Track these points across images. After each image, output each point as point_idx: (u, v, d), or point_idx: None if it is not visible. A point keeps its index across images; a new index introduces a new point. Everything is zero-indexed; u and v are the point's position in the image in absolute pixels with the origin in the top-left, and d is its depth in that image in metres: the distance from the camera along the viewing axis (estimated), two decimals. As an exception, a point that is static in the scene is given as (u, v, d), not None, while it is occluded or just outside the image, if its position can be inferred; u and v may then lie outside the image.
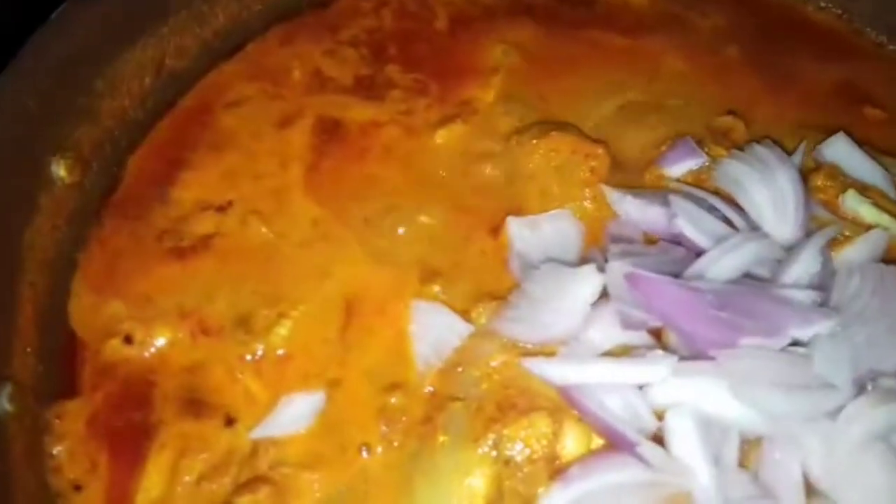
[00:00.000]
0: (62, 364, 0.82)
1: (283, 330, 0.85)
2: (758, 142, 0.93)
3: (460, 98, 1.03)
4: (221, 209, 0.93)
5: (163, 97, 0.98)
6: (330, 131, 1.00)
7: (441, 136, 0.99)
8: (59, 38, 0.85)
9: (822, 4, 1.15)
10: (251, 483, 0.73)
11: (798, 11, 1.17)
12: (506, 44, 1.08)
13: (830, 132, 0.98)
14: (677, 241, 0.84)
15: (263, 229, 0.91)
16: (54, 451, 0.76)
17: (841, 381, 0.70)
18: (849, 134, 0.97)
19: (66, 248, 0.86)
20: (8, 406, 0.73)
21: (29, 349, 0.79)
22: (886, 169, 0.94)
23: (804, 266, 0.79)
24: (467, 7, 1.12)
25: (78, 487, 0.74)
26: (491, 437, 0.73)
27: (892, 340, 0.75)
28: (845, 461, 0.69)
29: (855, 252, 0.83)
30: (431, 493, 0.73)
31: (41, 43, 0.84)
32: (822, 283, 0.79)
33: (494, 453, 0.73)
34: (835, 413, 0.70)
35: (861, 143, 0.97)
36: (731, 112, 1.00)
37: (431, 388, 0.79)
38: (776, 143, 0.96)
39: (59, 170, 0.84)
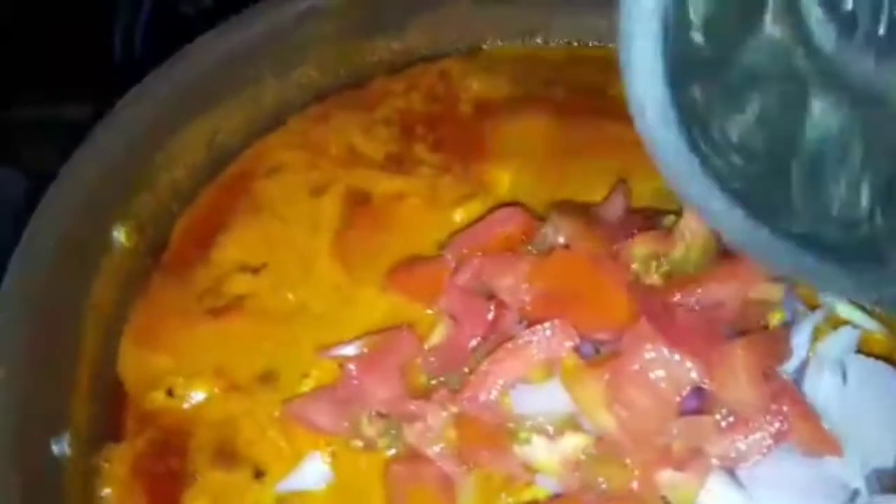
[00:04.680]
0: (109, 411, 0.92)
1: (306, 389, 0.94)
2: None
3: (479, 178, 1.13)
4: (256, 271, 1.03)
5: (211, 168, 1.09)
6: (359, 203, 1.10)
7: (459, 214, 1.09)
8: (127, 119, 0.97)
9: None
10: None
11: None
12: (523, 130, 1.20)
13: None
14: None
15: (290, 294, 1.01)
16: (103, 493, 0.85)
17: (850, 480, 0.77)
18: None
19: (119, 305, 0.96)
20: (68, 451, 0.82)
21: (84, 397, 0.88)
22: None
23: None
24: (490, 95, 1.22)
25: (123, 530, 0.83)
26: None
27: (887, 437, 0.82)
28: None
29: (827, 347, 0.91)
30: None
31: (112, 122, 0.95)
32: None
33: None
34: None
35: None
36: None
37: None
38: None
39: (121, 236, 0.95)
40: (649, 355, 0.75)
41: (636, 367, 0.75)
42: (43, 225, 0.87)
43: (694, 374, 0.75)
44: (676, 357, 0.74)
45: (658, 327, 0.75)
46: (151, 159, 1.00)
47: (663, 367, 0.75)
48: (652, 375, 0.75)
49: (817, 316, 0.90)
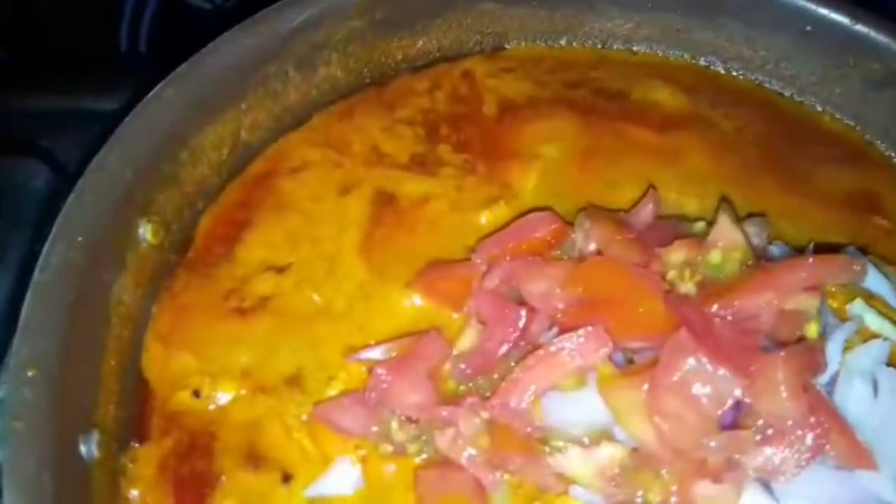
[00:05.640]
0: (134, 411, 0.90)
1: (333, 392, 0.93)
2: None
3: (504, 181, 1.12)
4: (281, 270, 1.02)
5: (236, 165, 1.07)
6: (384, 203, 1.09)
7: (485, 216, 1.08)
8: (153, 114, 0.95)
9: (837, 115, 1.26)
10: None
11: (814, 119, 1.27)
12: (548, 132, 1.19)
13: (839, 237, 1.08)
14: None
15: (315, 295, 1.00)
16: (130, 495, 0.84)
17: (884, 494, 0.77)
18: (856, 242, 1.07)
19: (144, 303, 0.94)
20: (96, 453, 0.81)
21: (110, 397, 0.87)
22: (889, 279, 1.04)
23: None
24: (514, 96, 1.21)
25: (151, 531, 0.82)
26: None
27: None
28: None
29: (857, 358, 0.91)
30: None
31: (138, 117, 0.94)
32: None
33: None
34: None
35: (866, 251, 1.06)
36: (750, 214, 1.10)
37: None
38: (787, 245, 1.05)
39: (147, 233, 0.93)
40: (690, 367, 0.75)
41: (677, 378, 0.75)
42: (71, 221, 0.85)
43: (737, 389, 0.74)
44: (720, 371, 0.74)
45: (698, 339, 0.75)
46: (177, 156, 0.98)
47: (705, 380, 0.74)
48: (694, 389, 0.74)
49: (849, 328, 0.90)
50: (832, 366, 0.86)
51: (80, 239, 0.85)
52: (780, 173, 1.17)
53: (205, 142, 1.02)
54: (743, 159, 1.18)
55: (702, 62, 1.29)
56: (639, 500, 0.76)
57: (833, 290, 0.98)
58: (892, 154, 1.23)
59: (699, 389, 0.74)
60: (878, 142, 1.23)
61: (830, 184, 1.17)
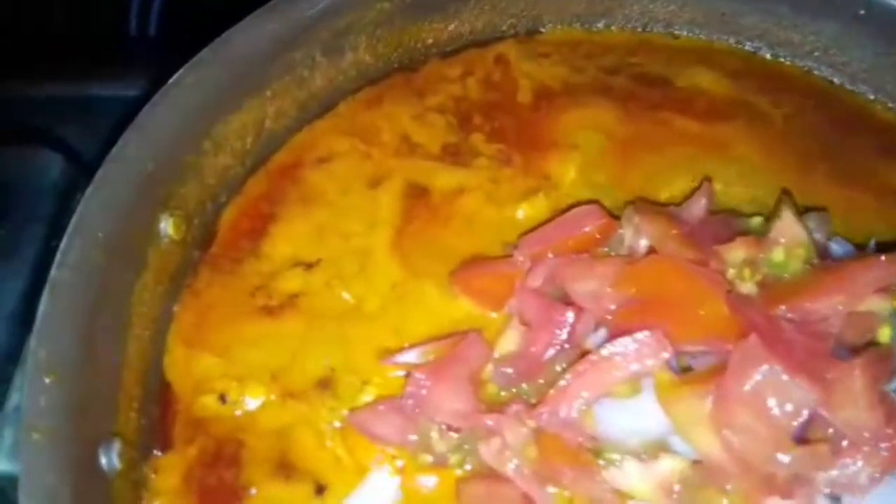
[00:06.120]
0: (157, 418, 0.85)
1: (367, 397, 0.88)
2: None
3: (542, 172, 1.06)
4: (310, 267, 0.96)
5: (260, 155, 1.01)
6: (417, 196, 1.03)
7: (523, 210, 1.02)
8: (174, 102, 0.89)
9: (890, 105, 1.19)
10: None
11: (866, 108, 1.21)
12: (586, 120, 1.13)
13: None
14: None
15: (345, 294, 0.95)
16: (155, 507, 0.79)
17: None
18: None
19: (166, 302, 0.89)
20: (118, 464, 0.75)
21: (131, 403, 0.82)
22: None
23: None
24: (550, 82, 1.15)
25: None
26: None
27: None
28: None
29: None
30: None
31: (158, 106, 0.88)
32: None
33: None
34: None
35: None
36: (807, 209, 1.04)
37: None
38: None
39: (168, 227, 0.87)
40: (762, 376, 0.69)
41: (747, 388, 0.69)
42: (89, 216, 0.79)
43: (813, 400, 0.68)
44: (795, 380, 0.68)
45: (770, 346, 0.69)
46: (199, 145, 0.92)
47: (779, 390, 0.68)
48: (765, 396, 0.68)
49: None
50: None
51: (100, 235, 0.79)
52: (833, 165, 1.11)
53: (228, 131, 0.96)
54: (794, 150, 1.12)
55: (748, 47, 1.22)
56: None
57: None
58: (958, 146, 1.16)
59: (773, 401, 0.68)
60: (931, 133, 1.17)
61: (886, 176, 1.11)
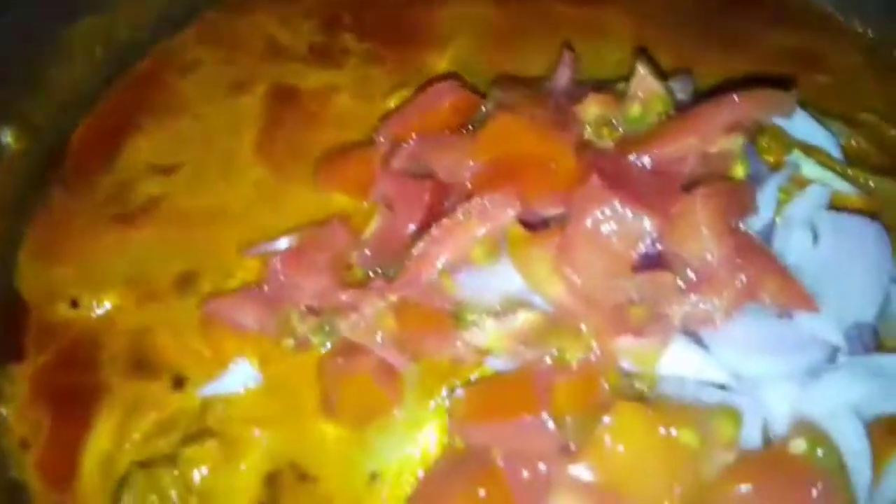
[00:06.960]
0: (9, 330, 0.82)
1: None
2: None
3: (415, 67, 1.04)
4: (169, 171, 0.93)
5: (117, 66, 0.98)
6: (284, 98, 1.00)
7: (393, 101, 1.00)
8: (8, 11, 0.85)
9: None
10: (198, 435, 0.74)
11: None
12: (461, 14, 1.09)
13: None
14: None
15: (209, 195, 0.92)
16: (2, 412, 0.76)
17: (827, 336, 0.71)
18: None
19: (14, 215, 0.86)
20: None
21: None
22: (830, 131, 0.97)
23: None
24: (419, -25, 1.12)
25: (26, 445, 0.74)
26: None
27: (864, 291, 0.75)
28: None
29: (796, 207, 0.84)
30: (385, 443, 0.75)
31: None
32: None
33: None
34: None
35: (806, 105, 0.99)
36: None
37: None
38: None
39: (6, 137, 0.84)
40: (600, 212, 0.67)
41: (587, 225, 0.67)
42: None
43: (647, 225, 0.67)
44: (629, 212, 0.66)
45: (610, 184, 0.67)
46: (38, 56, 0.88)
47: (615, 222, 0.67)
48: (604, 230, 0.67)
49: (782, 175, 0.83)
50: (765, 214, 0.79)
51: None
52: (716, 31, 1.09)
53: (72, 40, 0.92)
54: (674, 22, 1.10)
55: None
56: (550, 356, 0.69)
57: (766, 144, 0.92)
58: (836, 12, 1.15)
59: (609, 230, 0.67)
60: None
61: (768, 41, 1.09)
